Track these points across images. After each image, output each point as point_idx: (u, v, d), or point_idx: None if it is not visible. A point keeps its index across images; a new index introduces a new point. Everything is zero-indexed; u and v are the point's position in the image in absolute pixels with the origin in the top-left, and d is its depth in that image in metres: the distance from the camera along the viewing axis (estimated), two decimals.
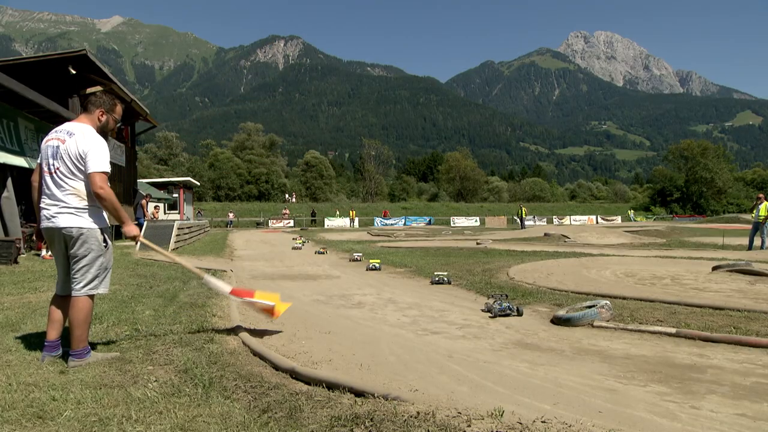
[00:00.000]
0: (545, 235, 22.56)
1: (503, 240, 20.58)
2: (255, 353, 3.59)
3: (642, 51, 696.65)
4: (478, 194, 74.79)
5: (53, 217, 3.34)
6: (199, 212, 44.87)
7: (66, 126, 3.46)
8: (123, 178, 21.63)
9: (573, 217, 55.03)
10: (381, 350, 4.01)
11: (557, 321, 5.38)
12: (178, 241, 15.48)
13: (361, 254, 12.63)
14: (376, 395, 2.61)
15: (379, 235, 27.47)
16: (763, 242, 14.78)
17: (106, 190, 3.30)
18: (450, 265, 10.72)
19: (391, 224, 47.08)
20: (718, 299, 6.23)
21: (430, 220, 51.00)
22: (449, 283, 8.13)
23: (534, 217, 51.17)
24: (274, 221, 45.85)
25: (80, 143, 3.33)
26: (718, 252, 14.01)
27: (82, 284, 3.37)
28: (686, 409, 2.93)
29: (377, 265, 10.34)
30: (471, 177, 74.48)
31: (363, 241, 22.45)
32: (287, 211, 49.33)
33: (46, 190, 3.38)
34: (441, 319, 5.75)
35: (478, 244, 18.11)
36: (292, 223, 45.56)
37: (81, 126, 3.43)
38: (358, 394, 2.69)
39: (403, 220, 49.43)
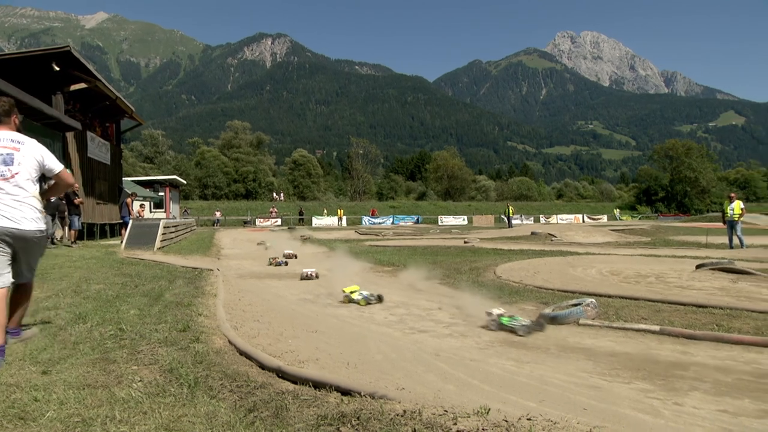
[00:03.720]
0: (532, 233, 22.68)
1: (491, 239, 20.67)
2: (241, 352, 3.57)
3: (628, 51, 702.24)
4: (465, 193, 74.95)
5: (17, 220, 3.49)
6: (185, 211, 44.54)
7: (3, 134, 3.59)
8: (108, 176, 21.40)
9: (560, 216, 55.37)
10: (368, 349, 4.01)
11: (544, 319, 5.42)
12: (164, 240, 15.35)
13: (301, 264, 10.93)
14: (362, 394, 2.61)
15: (367, 234, 27.45)
16: (741, 241, 14.95)
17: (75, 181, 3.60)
18: (438, 264, 10.74)
19: (379, 223, 47.07)
20: (701, 297, 6.31)
21: (418, 219, 51.05)
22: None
23: (521, 216, 51.43)
24: (262, 220, 45.64)
25: (35, 150, 3.59)
26: (701, 250, 14.20)
27: (32, 273, 3.81)
28: (669, 405, 2.97)
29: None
30: (459, 176, 74.64)
31: (351, 239, 22.42)
32: (275, 210, 49.12)
33: (3, 195, 3.49)
34: (428, 317, 5.77)
35: (465, 242, 18.17)
36: (279, 222, 45.37)
37: (16, 134, 3.62)
38: (345, 392, 2.69)
39: (391, 219, 49.41)
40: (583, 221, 51.96)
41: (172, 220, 21.73)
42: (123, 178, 25.68)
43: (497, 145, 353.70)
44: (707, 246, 15.94)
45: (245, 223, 45.47)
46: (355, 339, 4.42)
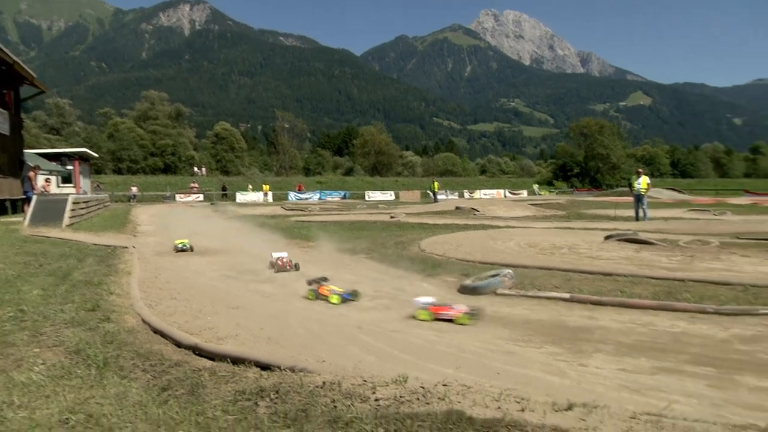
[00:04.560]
0: (456, 208, 23.24)
1: (416, 213, 21.01)
2: (156, 331, 3.44)
3: (547, 31, 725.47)
4: (392, 169, 75.42)
5: None
6: (98, 186, 41.97)
7: None
8: (7, 147, 19.69)
9: (483, 191, 57.05)
10: (290, 324, 3.98)
11: (464, 290, 5.61)
12: (74, 217, 14.41)
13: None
14: (282, 368, 2.60)
15: (293, 210, 27.08)
16: (645, 213, 16.08)
17: None
18: (363, 238, 10.80)
19: (306, 198, 46.52)
20: (608, 266, 6.75)
21: (345, 195, 50.88)
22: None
23: (446, 192, 52.53)
24: (183, 195, 43.85)
25: None
26: (610, 223, 15.13)
27: None
28: (575, 367, 3.17)
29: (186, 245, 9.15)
30: (386, 151, 74.85)
31: (276, 215, 22.05)
32: (196, 185, 47.31)
33: None
34: None
35: (391, 217, 18.35)
36: (201, 198, 43.81)
37: None
38: (265, 367, 2.66)
39: (318, 195, 48.95)
40: (505, 196, 53.86)
41: (82, 196, 20.43)
42: (25, 151, 23.73)
43: (423, 121, 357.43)
44: (616, 219, 17.00)
45: (165, 199, 43.55)
46: (277, 314, 4.38)
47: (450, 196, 49.73)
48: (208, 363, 2.80)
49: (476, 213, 20.95)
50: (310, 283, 5.53)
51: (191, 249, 9.15)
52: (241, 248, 9.42)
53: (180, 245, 9.15)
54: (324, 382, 2.39)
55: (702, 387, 2.83)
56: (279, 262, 6.97)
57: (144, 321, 3.67)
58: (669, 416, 2.00)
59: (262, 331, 3.61)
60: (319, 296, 5.28)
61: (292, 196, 47.51)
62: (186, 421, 2.07)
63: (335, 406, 2.15)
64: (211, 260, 8.28)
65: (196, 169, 58.79)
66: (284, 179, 59.21)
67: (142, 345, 3.12)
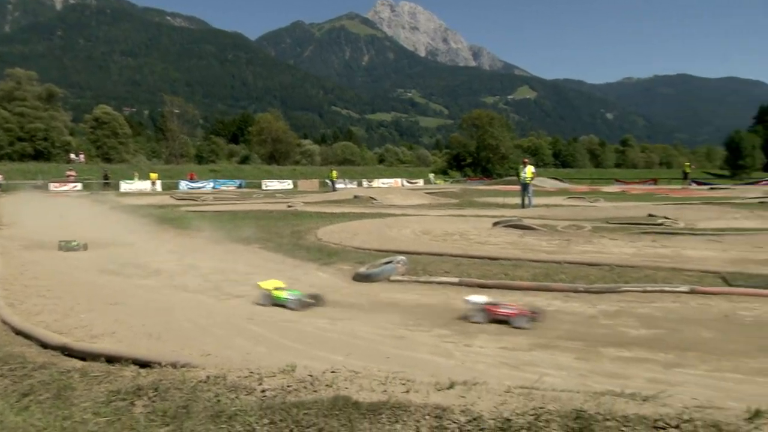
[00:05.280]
0: (355, 197, 23.38)
1: (314, 203, 20.87)
2: (18, 332, 3.13)
3: (441, 24, 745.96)
4: (290, 157, 74.13)
5: None
6: None
7: None
8: None
9: (381, 180, 57.89)
10: (175, 318, 3.79)
11: (358, 278, 5.67)
12: None
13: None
14: (163, 364, 2.47)
15: (183, 199, 25.80)
16: (529, 201, 17.20)
17: None
18: (259, 228, 10.54)
19: (199, 187, 44.48)
20: (494, 251, 7.13)
21: (240, 184, 49.32)
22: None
23: (345, 180, 52.69)
24: (58, 184, 40.14)
25: None
26: (499, 210, 15.98)
27: None
28: (461, 347, 3.32)
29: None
30: (283, 139, 73.36)
31: (165, 205, 20.89)
32: (73, 173, 43.45)
33: None
34: (246, 282, 5.64)
35: (289, 206, 18.08)
36: (80, 187, 40.38)
37: None
38: (144, 365, 2.52)
39: (212, 184, 47.03)
40: (402, 185, 55.08)
41: None
42: None
43: (322, 110, 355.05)
44: (504, 206, 17.99)
45: (36, 188, 39.60)
46: (162, 309, 4.16)
47: (348, 185, 49.92)
48: (78, 364, 2.60)
49: (374, 202, 21.21)
50: None
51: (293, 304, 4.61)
52: (124, 241, 8.82)
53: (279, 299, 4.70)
54: (208, 377, 2.30)
55: (571, 360, 3.09)
56: (507, 312, 3.94)
57: (3, 321, 3.32)
58: (540, 388, 2.15)
59: (143, 327, 3.41)
60: None
61: (184, 185, 45.22)
62: (50, 427, 1.90)
63: (219, 400, 2.08)
64: (89, 254, 7.67)
65: (73, 155, 53.98)
66: (175, 167, 56.16)
67: (1, 348, 2.82)
